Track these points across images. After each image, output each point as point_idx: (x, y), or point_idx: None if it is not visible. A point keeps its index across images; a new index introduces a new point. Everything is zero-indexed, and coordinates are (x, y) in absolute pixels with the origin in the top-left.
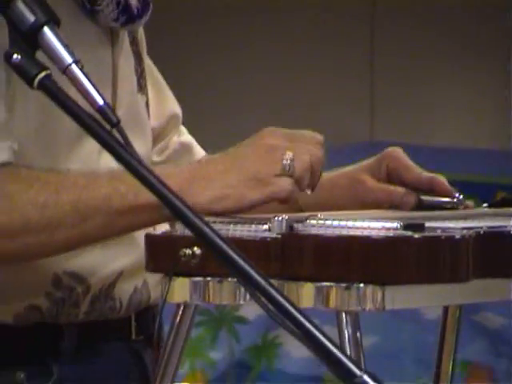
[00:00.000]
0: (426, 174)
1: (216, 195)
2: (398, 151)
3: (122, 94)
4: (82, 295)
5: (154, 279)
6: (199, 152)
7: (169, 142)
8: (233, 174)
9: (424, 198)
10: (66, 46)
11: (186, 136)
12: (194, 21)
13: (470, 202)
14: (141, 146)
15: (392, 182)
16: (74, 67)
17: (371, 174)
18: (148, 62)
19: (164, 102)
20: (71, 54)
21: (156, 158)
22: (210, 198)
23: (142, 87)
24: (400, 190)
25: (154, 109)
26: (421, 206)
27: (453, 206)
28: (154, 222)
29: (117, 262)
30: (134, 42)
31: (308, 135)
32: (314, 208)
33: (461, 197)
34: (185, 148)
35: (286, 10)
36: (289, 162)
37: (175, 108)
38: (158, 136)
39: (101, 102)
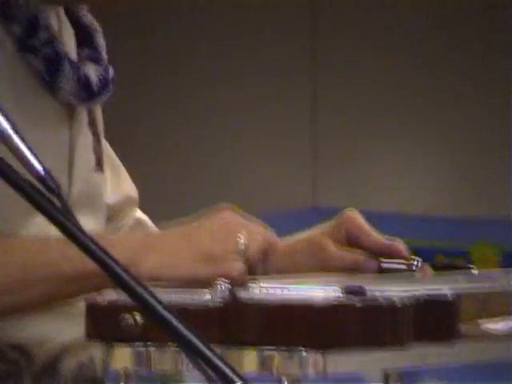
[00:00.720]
0: (384, 240)
1: (164, 265)
2: (355, 216)
3: (79, 170)
4: (25, 369)
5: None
6: (153, 228)
7: (125, 223)
8: (185, 246)
9: (384, 262)
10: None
11: (140, 213)
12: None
13: (427, 267)
14: (93, 222)
15: (351, 245)
16: (14, 135)
17: (331, 239)
18: (105, 143)
19: (121, 183)
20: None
21: None
22: (158, 267)
23: (100, 166)
24: (361, 257)
25: (110, 189)
26: (381, 271)
27: (411, 270)
28: (102, 288)
29: (62, 335)
30: (93, 122)
31: (262, 226)
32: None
33: (419, 261)
34: (138, 223)
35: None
36: (243, 242)
37: (131, 191)
38: (114, 216)
39: (40, 169)
